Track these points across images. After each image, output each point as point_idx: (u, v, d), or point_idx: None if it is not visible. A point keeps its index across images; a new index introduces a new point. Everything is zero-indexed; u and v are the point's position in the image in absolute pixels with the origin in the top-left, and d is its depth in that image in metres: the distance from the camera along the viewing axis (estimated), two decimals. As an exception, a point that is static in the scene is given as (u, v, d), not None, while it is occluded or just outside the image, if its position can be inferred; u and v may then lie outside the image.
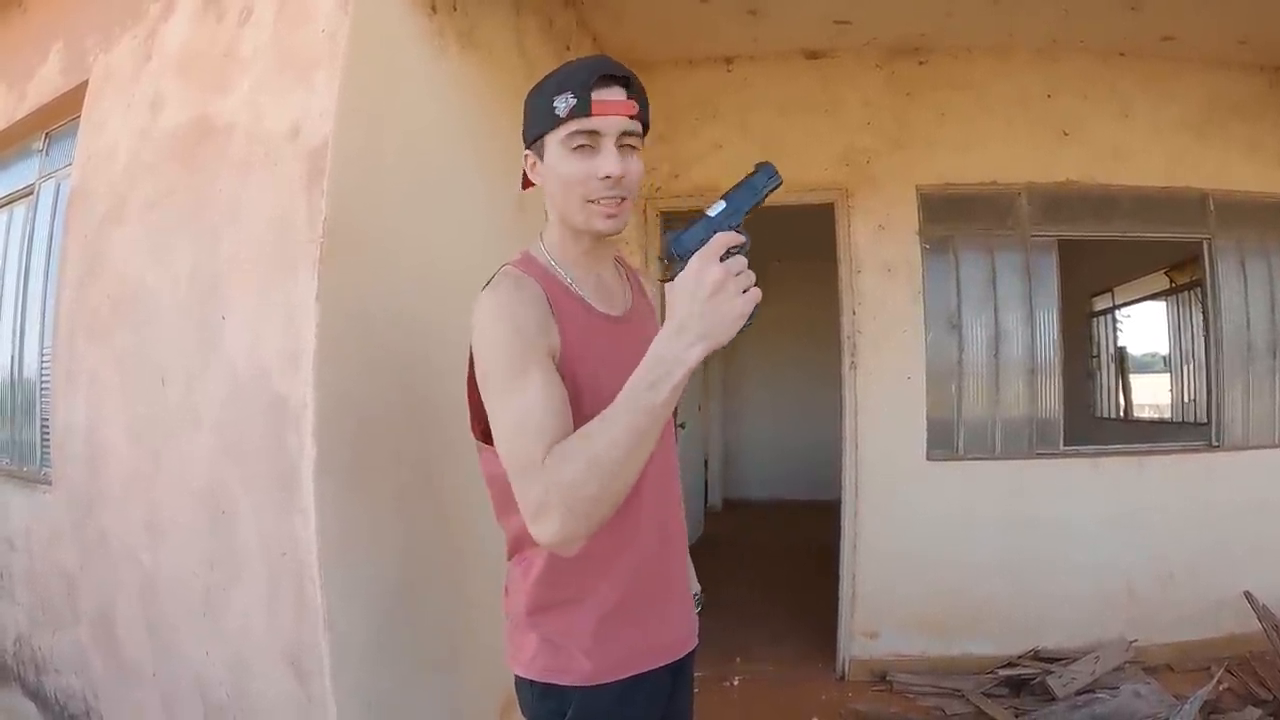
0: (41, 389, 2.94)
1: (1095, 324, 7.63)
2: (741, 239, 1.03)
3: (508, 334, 1.15)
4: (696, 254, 0.99)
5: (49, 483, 2.65)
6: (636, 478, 1.06)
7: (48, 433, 2.74)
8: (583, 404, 1.16)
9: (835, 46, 4.10)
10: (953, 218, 4.06)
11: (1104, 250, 5.36)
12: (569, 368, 1.19)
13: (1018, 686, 3.62)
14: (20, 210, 3.27)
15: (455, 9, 2.42)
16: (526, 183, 1.33)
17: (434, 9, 2.30)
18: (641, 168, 1.25)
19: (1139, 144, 4.05)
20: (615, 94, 1.20)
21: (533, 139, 1.26)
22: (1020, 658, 3.78)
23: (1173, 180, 4.05)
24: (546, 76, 1.25)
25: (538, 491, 1.06)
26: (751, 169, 1.11)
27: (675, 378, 0.99)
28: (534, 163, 1.28)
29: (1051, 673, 3.53)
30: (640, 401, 1.00)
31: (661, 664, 1.34)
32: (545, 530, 1.06)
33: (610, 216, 1.23)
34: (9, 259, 3.28)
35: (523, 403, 1.11)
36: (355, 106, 1.91)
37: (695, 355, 0.98)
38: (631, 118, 1.21)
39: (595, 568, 1.27)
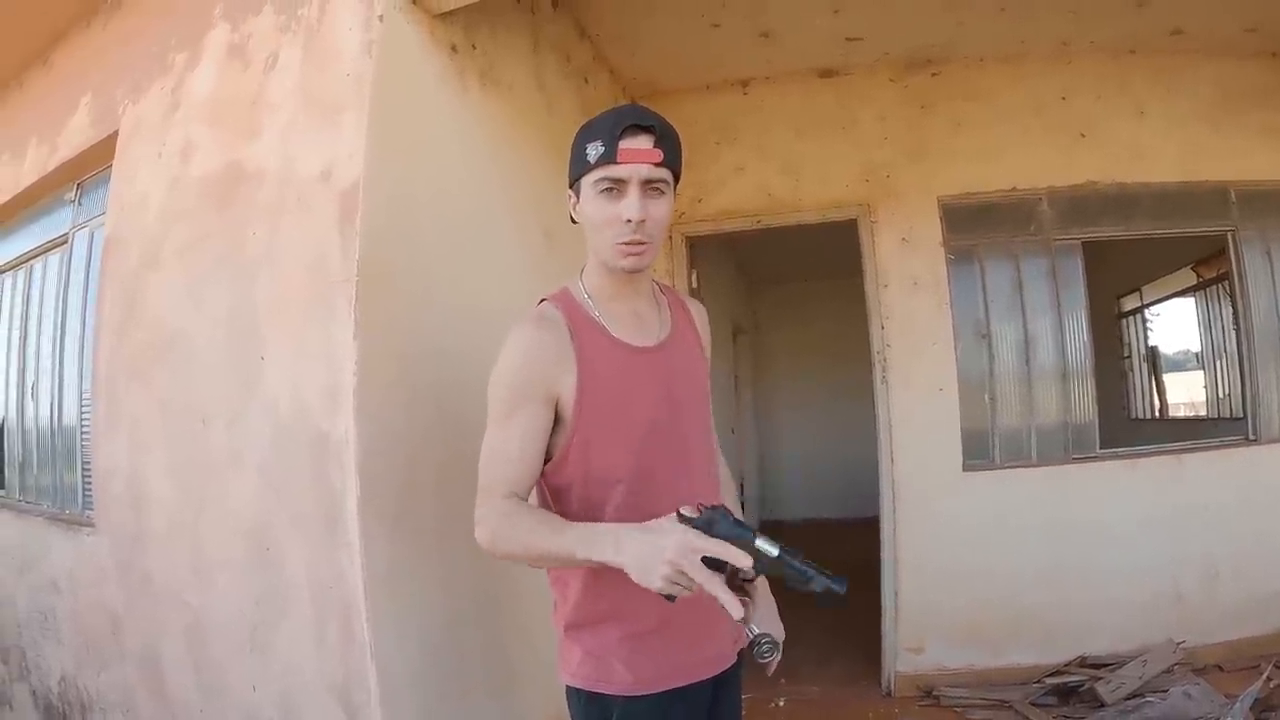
0: (82, 433, 2.98)
1: (1125, 324, 7.54)
2: (744, 565, 1.13)
3: (511, 373, 1.31)
4: (694, 533, 1.13)
5: (92, 525, 2.69)
6: (544, 565, 1.33)
7: (89, 476, 2.78)
8: (594, 425, 1.31)
9: (848, 63, 4.12)
10: (975, 227, 4.05)
11: (1129, 249, 5.32)
12: (582, 392, 1.31)
13: (1066, 694, 3.56)
14: (55, 259, 3.34)
15: (475, 48, 2.47)
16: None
17: (454, 49, 2.35)
18: (668, 209, 1.34)
19: (1156, 140, 4.02)
20: (641, 142, 1.29)
21: (572, 181, 1.37)
22: (1067, 665, 3.72)
23: (1192, 174, 4.02)
24: (586, 123, 1.35)
25: (483, 513, 1.29)
26: (835, 585, 1.19)
27: (595, 556, 1.18)
28: (574, 203, 1.38)
29: (1099, 678, 3.48)
30: (572, 543, 1.20)
31: (701, 679, 1.38)
32: (476, 536, 1.30)
33: (632, 255, 1.32)
34: (45, 306, 3.35)
35: (502, 439, 1.30)
36: (383, 147, 1.96)
37: (614, 561, 1.16)
38: (657, 164, 1.29)
39: (631, 586, 1.30)
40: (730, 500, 1.64)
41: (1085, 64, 4.06)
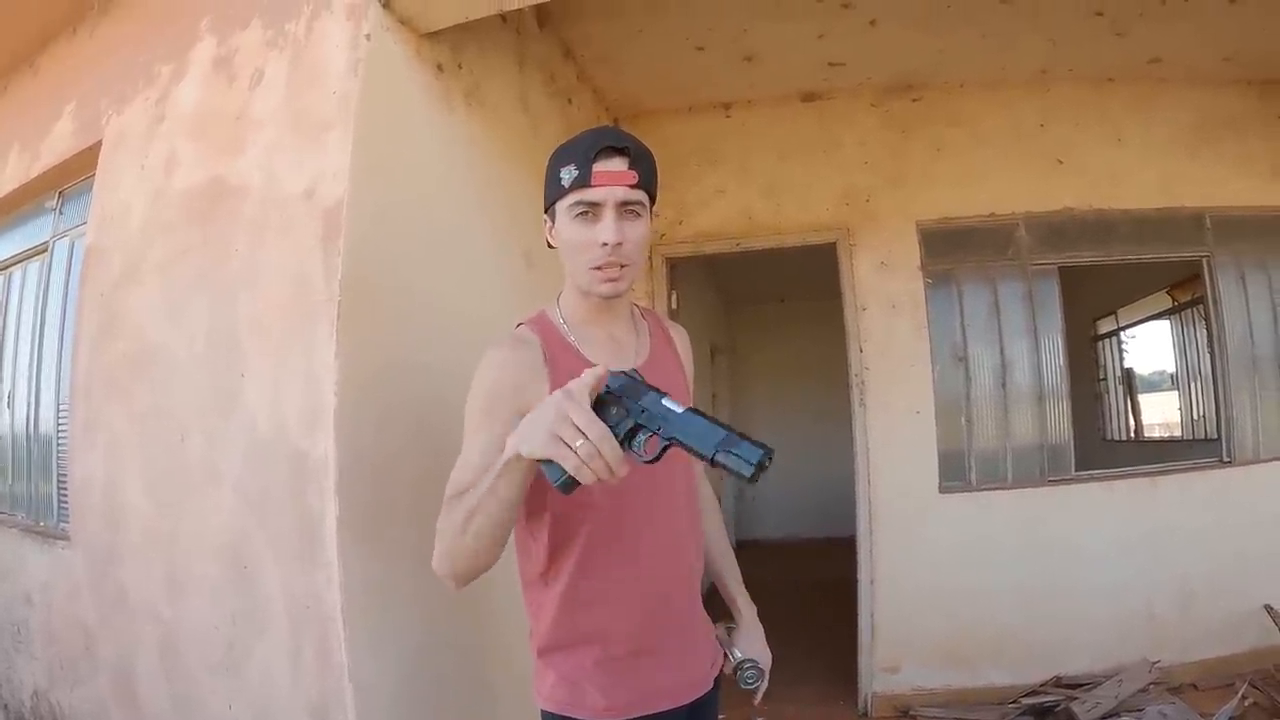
0: (58, 444, 2.95)
1: (1101, 347, 7.64)
2: (624, 413, 1.05)
3: (484, 390, 1.29)
4: (568, 385, 1.01)
5: (67, 538, 2.66)
6: (488, 541, 1.16)
7: (65, 488, 2.76)
8: None
9: (831, 88, 4.16)
10: (954, 251, 4.10)
11: (1105, 273, 5.39)
12: None
13: (1042, 714, 3.58)
14: (34, 267, 3.31)
15: (460, 67, 2.48)
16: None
17: (440, 68, 2.36)
18: (644, 232, 1.32)
19: (1133, 167, 4.09)
20: (616, 165, 1.26)
21: (547, 205, 1.35)
22: (1043, 685, 3.74)
23: (1168, 200, 4.08)
24: (560, 146, 1.33)
25: (437, 526, 1.21)
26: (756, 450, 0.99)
27: (500, 464, 1.08)
28: (550, 227, 1.36)
29: (1075, 698, 3.50)
30: (483, 484, 1.12)
31: (675, 705, 1.36)
32: (433, 565, 1.22)
33: (610, 281, 1.30)
34: (24, 315, 3.33)
35: (468, 454, 1.26)
36: (368, 166, 1.96)
37: (510, 447, 1.06)
38: (633, 186, 1.27)
39: (605, 611, 1.33)
40: (714, 523, 1.64)
41: (1064, 91, 4.12)
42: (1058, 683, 3.74)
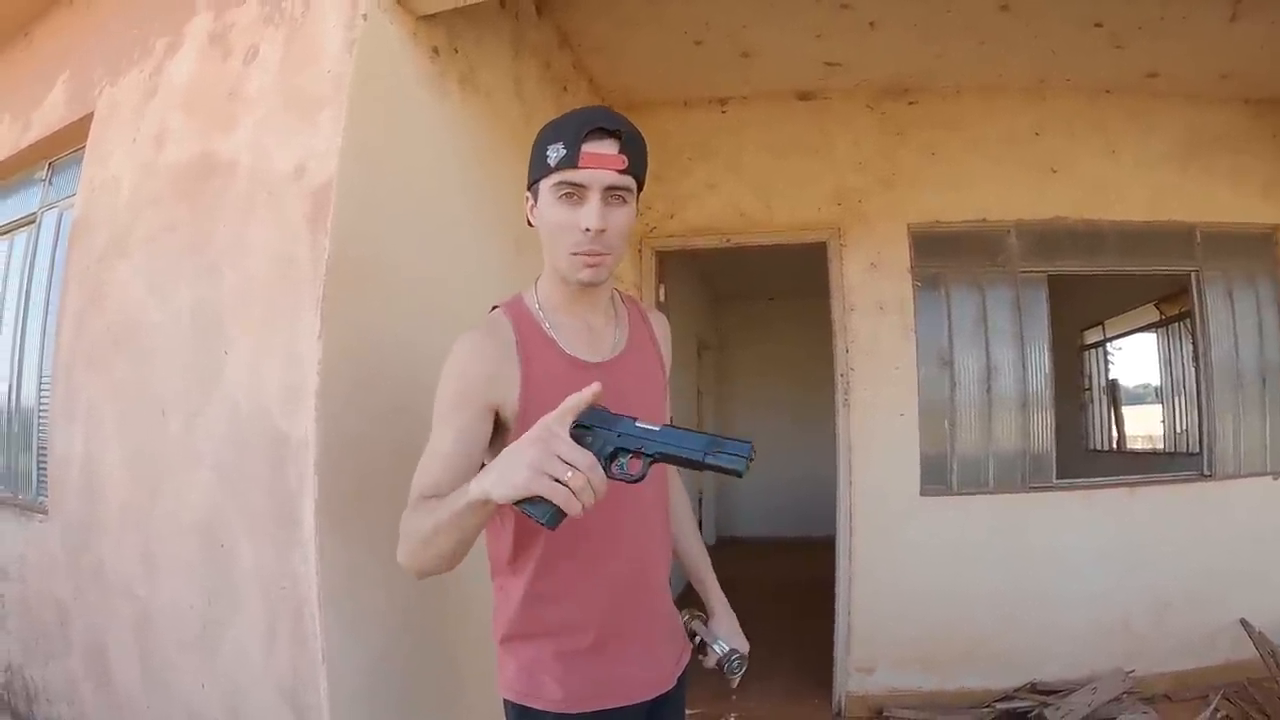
0: (39, 417, 2.94)
1: (1087, 357, 7.68)
2: (600, 441, 1.05)
3: (454, 379, 1.26)
4: (545, 418, 1.01)
5: (45, 512, 2.64)
6: (449, 557, 1.17)
7: (44, 461, 2.74)
8: None
9: (826, 87, 4.17)
10: (943, 255, 4.11)
11: (1093, 284, 5.43)
12: (525, 405, 1.25)
13: (1015, 720, 3.61)
14: (22, 238, 3.29)
15: (456, 52, 2.47)
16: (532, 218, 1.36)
17: (436, 52, 2.35)
18: (629, 219, 1.28)
19: (1126, 179, 4.11)
20: (605, 147, 1.22)
21: (531, 182, 1.31)
22: (1017, 691, 3.77)
23: (1159, 214, 4.11)
24: (549, 122, 1.29)
25: (402, 521, 1.21)
26: (742, 444, 1.05)
27: (463, 499, 1.07)
28: (531, 205, 1.32)
29: (1049, 704, 3.53)
30: (451, 500, 1.10)
31: (634, 701, 1.35)
32: (398, 556, 1.22)
33: (589, 267, 1.27)
34: (9, 286, 3.30)
35: (436, 445, 1.25)
36: (359, 146, 1.94)
37: (477, 491, 1.04)
38: (621, 171, 1.24)
39: (569, 604, 1.32)
40: (685, 516, 1.64)
41: (1060, 101, 4.14)
42: (1032, 689, 3.77)
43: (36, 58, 3.18)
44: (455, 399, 1.25)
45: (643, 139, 1.29)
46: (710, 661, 1.53)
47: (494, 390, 1.25)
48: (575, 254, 1.26)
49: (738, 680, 1.51)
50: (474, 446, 1.25)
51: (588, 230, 1.23)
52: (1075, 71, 3.96)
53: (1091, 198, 4.08)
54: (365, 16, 2.00)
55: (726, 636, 1.54)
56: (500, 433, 1.28)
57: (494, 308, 1.38)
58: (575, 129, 1.22)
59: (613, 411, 1.08)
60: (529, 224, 1.35)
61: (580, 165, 1.21)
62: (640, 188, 1.31)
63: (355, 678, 1.84)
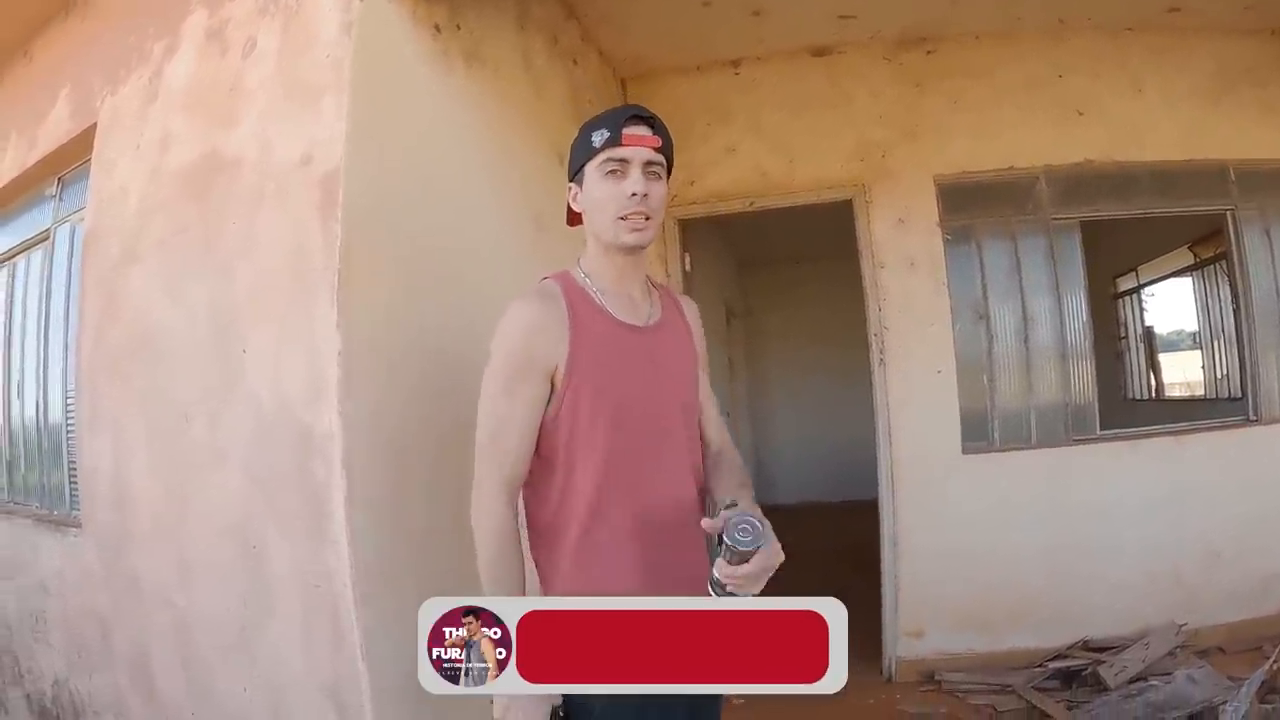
0: (68, 432, 2.94)
1: (1121, 305, 7.52)
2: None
3: (513, 345, 1.39)
4: None
5: (79, 525, 2.64)
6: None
7: (75, 475, 2.74)
8: (582, 394, 1.38)
9: (841, 42, 4.07)
10: (972, 206, 4.02)
11: (1126, 229, 5.31)
12: (574, 363, 1.39)
13: (1069, 678, 3.54)
14: (37, 255, 3.28)
15: (459, 28, 2.42)
16: (572, 217, 1.52)
17: (438, 29, 2.30)
18: (664, 192, 1.47)
19: (1154, 119, 4.00)
20: (642, 130, 1.43)
21: (575, 171, 1.49)
22: (1069, 649, 3.71)
23: (1191, 153, 3.99)
24: (589, 119, 1.49)
25: (490, 506, 1.37)
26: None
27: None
28: (576, 193, 1.49)
29: (1102, 662, 3.46)
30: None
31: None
32: (472, 516, 1.39)
33: (636, 230, 1.42)
34: (29, 304, 3.30)
35: (508, 414, 1.38)
36: (364, 130, 1.91)
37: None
38: (655, 150, 1.44)
39: (616, 557, 1.40)
40: (738, 487, 1.51)
41: (1082, 41, 4.02)
42: (1085, 646, 3.72)
43: (38, 74, 3.17)
44: (519, 369, 1.38)
45: (669, 133, 1.48)
46: (712, 527, 1.26)
47: (554, 353, 1.38)
48: (622, 218, 1.41)
49: (738, 558, 1.21)
50: (540, 413, 1.40)
51: (634, 195, 1.40)
52: (1095, 10, 3.85)
53: (1120, 139, 3.97)
54: (361, -3, 1.95)
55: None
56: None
57: (544, 279, 1.51)
58: (616, 117, 1.44)
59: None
60: (570, 212, 1.51)
61: (623, 143, 1.41)
62: (669, 171, 1.48)
63: (397, 673, 1.81)
